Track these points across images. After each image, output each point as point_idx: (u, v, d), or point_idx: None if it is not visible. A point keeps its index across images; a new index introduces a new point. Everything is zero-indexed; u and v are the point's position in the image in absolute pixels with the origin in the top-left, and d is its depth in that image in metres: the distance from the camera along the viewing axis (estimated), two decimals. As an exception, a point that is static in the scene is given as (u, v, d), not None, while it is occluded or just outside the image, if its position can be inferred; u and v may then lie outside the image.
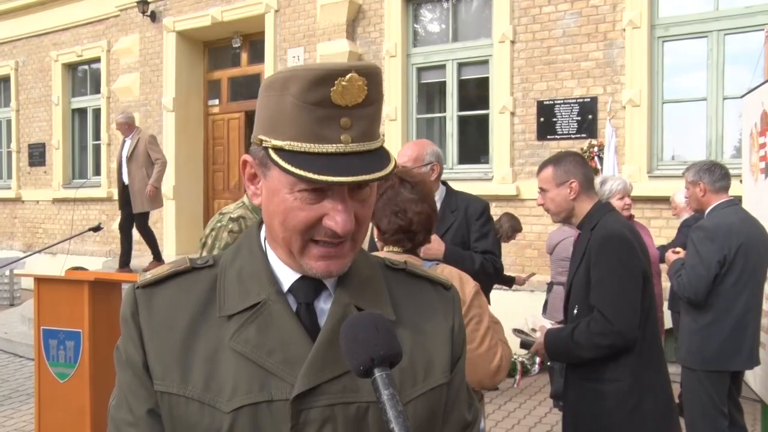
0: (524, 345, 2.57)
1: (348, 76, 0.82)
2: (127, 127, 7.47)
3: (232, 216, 2.58)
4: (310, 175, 0.81)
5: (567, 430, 2.44)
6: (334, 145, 0.83)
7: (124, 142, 7.52)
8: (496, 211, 6.85)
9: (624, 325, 2.23)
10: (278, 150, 0.84)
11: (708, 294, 3.34)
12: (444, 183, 3.11)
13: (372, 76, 0.84)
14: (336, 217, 0.85)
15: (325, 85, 0.82)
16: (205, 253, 2.52)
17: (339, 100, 0.82)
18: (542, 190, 2.51)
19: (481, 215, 3.04)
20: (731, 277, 3.33)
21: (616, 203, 3.96)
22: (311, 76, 0.82)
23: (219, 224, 2.58)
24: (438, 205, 2.96)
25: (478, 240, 3.01)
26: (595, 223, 2.38)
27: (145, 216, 7.60)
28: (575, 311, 2.38)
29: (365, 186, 0.88)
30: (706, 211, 3.54)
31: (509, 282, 5.41)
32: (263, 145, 0.87)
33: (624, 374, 2.27)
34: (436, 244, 2.76)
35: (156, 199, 7.46)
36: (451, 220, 2.99)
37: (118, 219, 7.78)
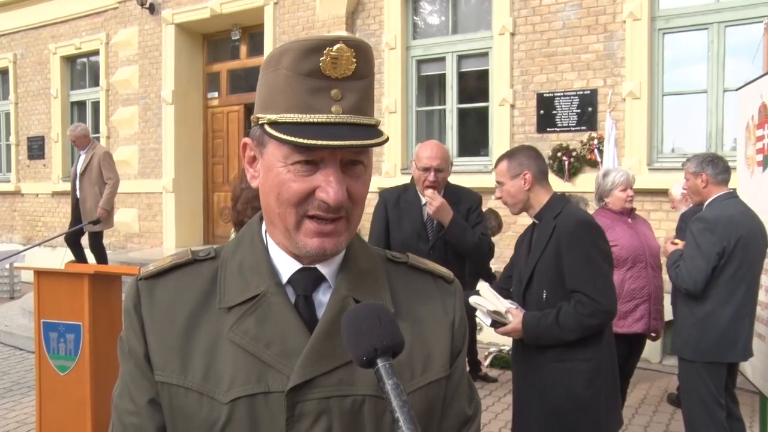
0: (495, 324, 2.62)
1: (336, 47, 0.84)
2: (82, 140, 7.09)
3: None
4: (299, 140, 0.83)
5: (531, 408, 2.52)
6: (325, 115, 0.85)
7: (79, 155, 7.20)
8: (496, 203, 6.85)
9: (611, 303, 2.41)
10: (272, 124, 0.86)
11: (706, 285, 3.35)
12: None
13: (360, 50, 0.86)
14: (328, 189, 0.86)
15: (314, 54, 0.84)
16: None
17: (329, 71, 0.84)
18: (499, 183, 2.63)
19: (477, 207, 3.42)
20: (730, 270, 3.34)
21: (619, 195, 3.96)
22: (302, 47, 0.85)
23: None
24: None
25: (475, 227, 3.37)
26: (558, 212, 2.50)
27: (97, 235, 7.13)
28: (545, 295, 2.49)
29: (359, 163, 0.89)
30: (706, 203, 3.54)
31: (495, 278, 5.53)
32: (259, 122, 0.89)
33: (595, 353, 2.45)
34: (445, 207, 3.16)
35: (107, 221, 7.02)
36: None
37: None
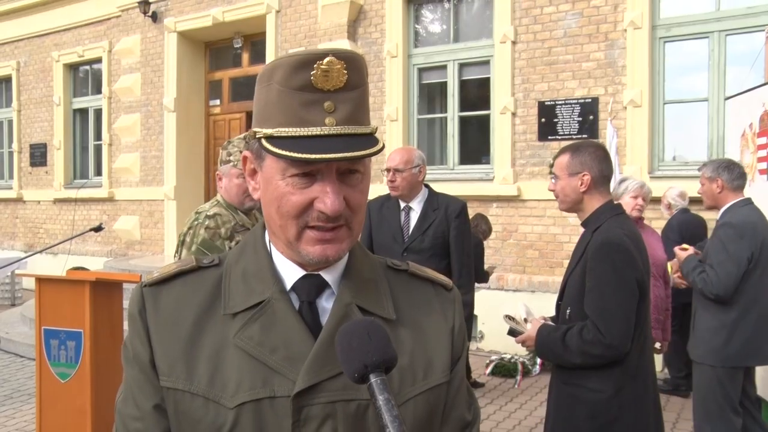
0: (512, 333, 2.59)
1: (326, 60, 0.86)
2: None
3: (208, 213, 2.75)
4: (295, 154, 0.84)
5: (545, 427, 2.46)
6: (319, 128, 0.86)
7: None
8: (497, 212, 6.86)
9: (615, 338, 2.18)
10: (269, 138, 0.88)
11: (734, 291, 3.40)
12: (426, 185, 3.55)
13: (351, 61, 0.88)
14: (325, 199, 0.87)
15: (305, 69, 0.86)
16: (185, 251, 2.62)
17: (320, 84, 0.86)
18: (555, 176, 2.45)
19: (459, 214, 3.46)
20: (755, 275, 3.40)
21: (628, 201, 3.98)
22: (292, 62, 0.87)
23: (196, 222, 2.71)
24: (421, 205, 3.49)
25: (456, 238, 3.41)
26: (599, 225, 2.32)
27: None
28: (568, 312, 2.35)
29: (356, 171, 0.91)
30: (723, 209, 3.57)
31: (485, 277, 5.49)
32: (257, 136, 0.91)
33: (606, 386, 2.22)
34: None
35: None
36: (433, 218, 3.44)
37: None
